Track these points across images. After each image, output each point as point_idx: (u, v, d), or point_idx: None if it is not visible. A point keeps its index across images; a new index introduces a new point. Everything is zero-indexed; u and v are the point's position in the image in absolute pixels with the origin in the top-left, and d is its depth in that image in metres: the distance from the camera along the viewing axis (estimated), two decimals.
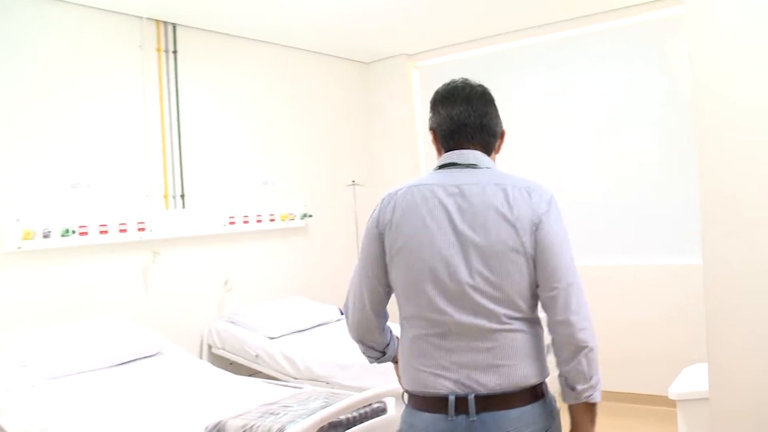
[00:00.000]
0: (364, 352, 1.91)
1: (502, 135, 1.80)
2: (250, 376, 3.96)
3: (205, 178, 4.59)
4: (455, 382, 1.59)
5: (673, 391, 3.04)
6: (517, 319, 1.62)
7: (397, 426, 1.74)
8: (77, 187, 3.87)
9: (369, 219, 1.77)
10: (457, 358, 1.61)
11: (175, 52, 4.43)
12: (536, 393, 1.63)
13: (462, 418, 1.58)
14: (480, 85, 1.77)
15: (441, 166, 1.75)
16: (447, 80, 1.82)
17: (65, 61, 3.87)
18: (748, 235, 2.49)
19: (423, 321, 1.65)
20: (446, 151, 1.76)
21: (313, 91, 5.47)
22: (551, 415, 1.66)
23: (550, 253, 1.60)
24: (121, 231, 3.98)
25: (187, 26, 4.50)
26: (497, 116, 1.77)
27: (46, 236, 3.64)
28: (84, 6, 3.94)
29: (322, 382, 3.78)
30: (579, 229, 4.16)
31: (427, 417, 1.63)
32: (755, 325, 2.48)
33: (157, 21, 4.33)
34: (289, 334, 4.35)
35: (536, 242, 1.60)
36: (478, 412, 1.57)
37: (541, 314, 1.68)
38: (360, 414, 2.61)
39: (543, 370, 1.65)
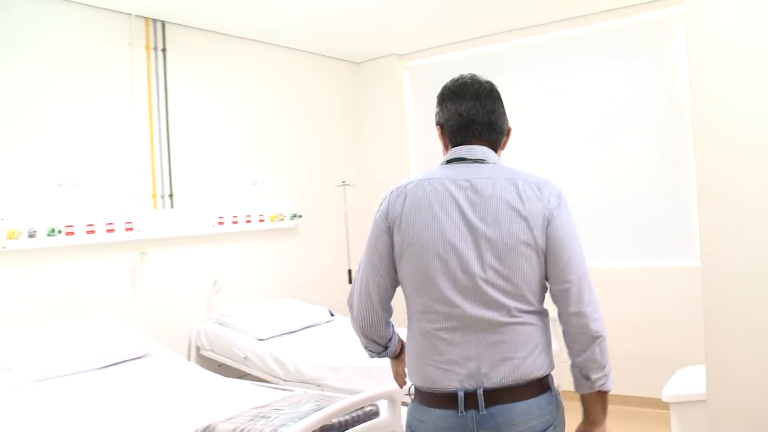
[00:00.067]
0: (366, 347, 1.90)
1: (508, 132, 1.81)
2: (238, 378, 3.92)
3: (194, 177, 4.54)
4: (464, 376, 1.61)
5: (667, 393, 3.03)
6: (526, 312, 1.64)
7: (392, 428, 1.73)
8: (64, 186, 3.81)
9: (376, 212, 1.77)
10: (467, 352, 1.61)
11: (164, 50, 4.37)
12: (543, 385, 1.65)
13: (472, 413, 1.59)
14: (488, 82, 1.78)
15: (449, 161, 1.75)
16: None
17: (52, 58, 3.80)
18: (746, 235, 2.49)
19: (433, 315, 1.65)
20: (454, 147, 1.76)
21: (304, 90, 5.44)
22: (557, 407, 1.68)
23: (562, 248, 1.63)
24: (109, 231, 3.93)
25: (176, 24, 4.45)
26: (504, 113, 1.79)
27: (31, 236, 3.58)
28: (72, 2, 3.88)
29: (312, 384, 3.75)
30: None
31: (436, 413, 1.64)
32: (754, 325, 2.48)
33: (147, 18, 4.28)
34: (278, 335, 4.32)
35: (548, 237, 1.63)
36: (487, 406, 1.59)
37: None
38: (352, 417, 2.56)
39: (550, 363, 1.68)
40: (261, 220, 4.93)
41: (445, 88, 1.80)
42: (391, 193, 1.75)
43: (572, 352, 1.68)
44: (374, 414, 2.65)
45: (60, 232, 3.68)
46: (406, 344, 1.77)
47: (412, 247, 1.66)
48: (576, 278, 1.63)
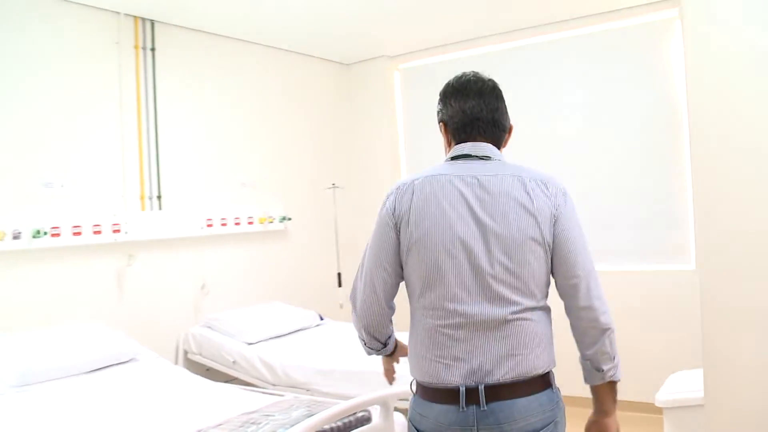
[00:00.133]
0: (366, 343, 1.89)
1: (510, 129, 1.83)
2: (227, 382, 3.86)
3: (183, 179, 4.49)
4: (467, 372, 1.62)
5: (660, 399, 3.02)
6: (531, 308, 1.65)
7: None
8: (50, 187, 3.74)
9: (381, 208, 1.76)
10: (471, 347, 1.62)
11: (153, 49, 4.32)
12: (544, 382, 1.66)
13: (473, 408, 1.61)
14: (490, 80, 1.80)
15: (454, 158, 1.76)
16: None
17: (38, 56, 3.74)
18: (744, 238, 2.49)
19: (439, 311, 1.66)
20: (458, 144, 1.77)
21: (294, 92, 5.40)
22: (557, 405, 1.69)
23: (570, 244, 1.66)
24: (95, 233, 3.86)
25: (166, 23, 4.40)
26: (506, 111, 1.81)
27: (16, 237, 3.51)
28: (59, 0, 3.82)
29: (302, 388, 3.72)
30: None
31: (438, 408, 1.65)
32: (751, 328, 2.47)
33: (135, 17, 4.22)
34: (267, 339, 4.27)
35: (555, 233, 1.66)
36: (488, 401, 1.60)
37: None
38: (344, 423, 2.53)
39: (552, 359, 1.70)
40: (250, 223, 4.88)
41: (448, 85, 1.81)
42: (398, 189, 1.74)
43: (582, 346, 1.71)
44: (366, 420, 2.63)
45: (45, 233, 3.62)
46: (409, 339, 1.77)
47: (421, 243, 1.66)
48: (584, 273, 1.66)
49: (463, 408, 1.61)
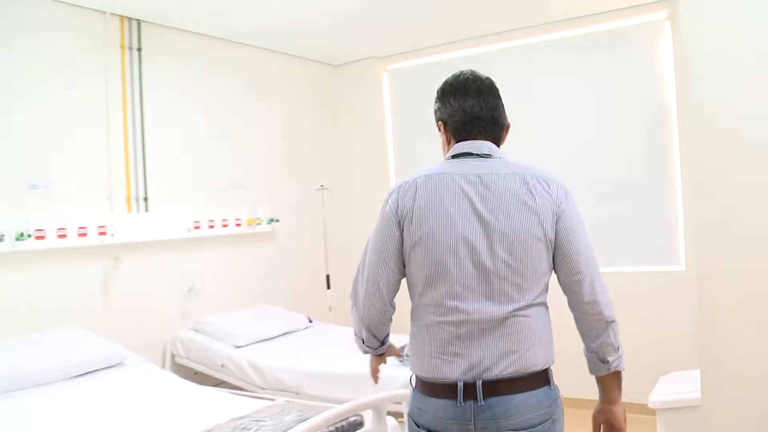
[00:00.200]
0: (366, 342, 1.90)
1: (507, 127, 1.85)
2: (215, 386, 3.82)
3: (170, 180, 4.43)
4: (466, 368, 1.64)
5: (653, 400, 3.02)
6: (531, 305, 1.67)
7: None
8: (34, 189, 3.68)
9: (384, 206, 1.77)
10: (472, 343, 1.64)
11: (139, 49, 4.26)
12: (542, 379, 1.68)
13: (470, 403, 1.63)
14: (487, 78, 1.82)
15: (455, 156, 1.77)
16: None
17: (23, 56, 3.68)
18: (740, 238, 2.49)
19: (441, 308, 1.67)
20: (458, 142, 1.79)
21: (282, 92, 5.36)
22: (555, 402, 1.70)
23: (573, 241, 1.69)
24: (81, 235, 3.80)
25: (152, 23, 4.34)
26: (504, 109, 1.83)
27: None
28: None
29: (291, 392, 3.68)
30: None
31: (436, 402, 1.68)
32: (747, 328, 2.47)
33: (122, 17, 4.16)
34: (255, 342, 4.23)
35: (558, 230, 1.68)
36: (485, 397, 1.62)
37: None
38: (337, 428, 2.50)
39: (551, 356, 1.72)
40: (238, 225, 4.83)
41: (446, 83, 1.82)
42: (400, 187, 1.75)
43: (587, 339, 1.74)
44: (359, 424, 2.60)
45: (30, 236, 3.55)
46: (410, 335, 1.78)
47: (424, 241, 1.68)
48: (587, 269, 1.68)
49: (460, 403, 1.63)
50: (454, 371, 1.64)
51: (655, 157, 4.51)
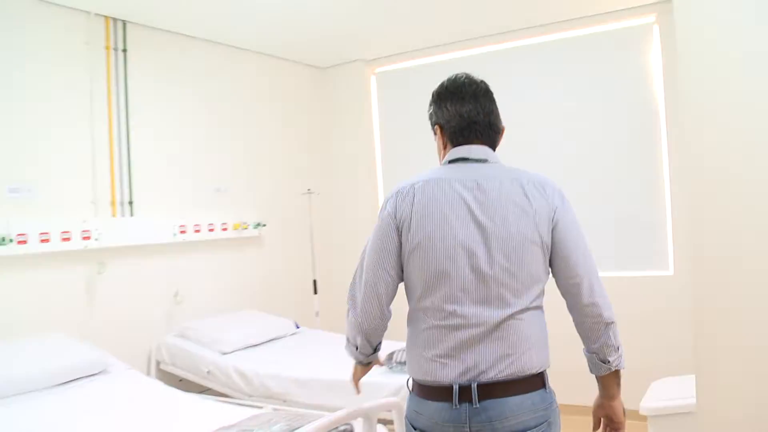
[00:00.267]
0: (360, 349, 1.90)
1: (502, 131, 1.85)
2: (201, 393, 3.77)
3: (155, 184, 4.36)
4: (462, 371, 1.65)
5: (645, 406, 3.00)
6: (528, 309, 1.68)
7: None
8: (16, 192, 3.60)
9: (382, 211, 1.77)
10: (469, 347, 1.65)
11: (124, 50, 4.20)
12: (537, 382, 1.69)
13: (465, 405, 1.64)
14: (483, 82, 1.83)
15: (452, 161, 1.77)
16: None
17: (4, 56, 3.60)
18: (735, 242, 2.48)
19: (439, 312, 1.68)
20: (455, 147, 1.79)
21: (269, 95, 5.31)
22: (551, 406, 1.71)
23: (570, 244, 1.70)
24: (64, 240, 3.73)
25: (137, 24, 4.28)
26: (499, 113, 1.83)
27: None
28: None
29: (279, 399, 3.63)
30: None
31: (433, 405, 1.69)
32: (744, 333, 2.46)
33: (106, 17, 4.10)
34: (242, 348, 4.17)
35: (555, 234, 1.69)
36: (480, 399, 1.63)
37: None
38: None
39: (547, 359, 1.73)
40: (224, 229, 4.78)
41: (442, 87, 1.82)
42: (398, 193, 1.75)
43: (588, 341, 1.76)
44: None
45: (11, 240, 3.48)
46: (407, 339, 1.79)
47: (423, 247, 1.68)
48: (586, 272, 1.70)
49: (456, 405, 1.64)
50: (449, 374, 1.65)
51: (642, 161, 4.51)
